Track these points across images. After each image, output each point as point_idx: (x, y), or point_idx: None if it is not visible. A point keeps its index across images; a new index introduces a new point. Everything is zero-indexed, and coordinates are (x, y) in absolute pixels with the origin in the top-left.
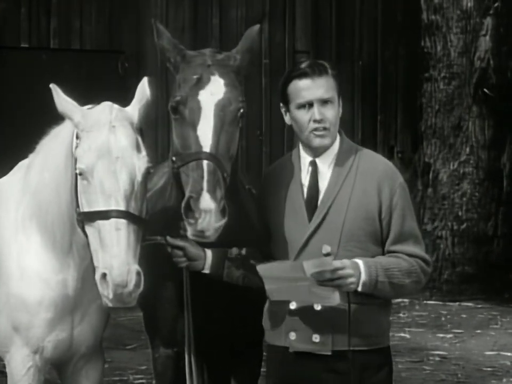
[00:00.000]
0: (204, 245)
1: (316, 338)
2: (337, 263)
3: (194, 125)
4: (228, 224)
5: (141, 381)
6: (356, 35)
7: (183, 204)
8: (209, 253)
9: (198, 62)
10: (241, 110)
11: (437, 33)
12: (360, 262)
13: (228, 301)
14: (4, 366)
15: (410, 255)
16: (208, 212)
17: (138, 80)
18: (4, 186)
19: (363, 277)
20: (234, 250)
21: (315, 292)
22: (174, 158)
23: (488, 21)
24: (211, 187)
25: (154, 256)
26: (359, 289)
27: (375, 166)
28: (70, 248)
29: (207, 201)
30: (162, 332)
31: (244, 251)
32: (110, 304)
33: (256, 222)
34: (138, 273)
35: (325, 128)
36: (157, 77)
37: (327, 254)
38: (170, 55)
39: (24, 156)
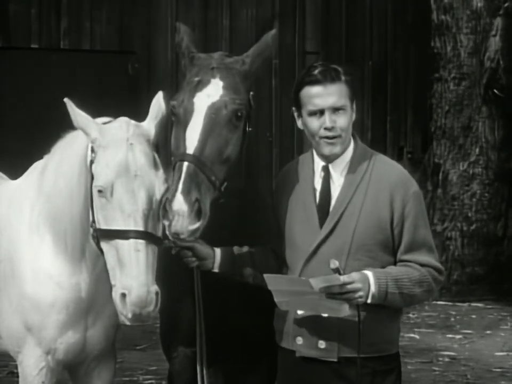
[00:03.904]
0: (213, 244)
1: (322, 344)
2: (345, 278)
3: (185, 127)
4: (243, 226)
5: (150, 381)
6: (366, 36)
7: (161, 205)
8: (218, 251)
9: (203, 65)
10: (239, 114)
11: (446, 33)
12: (369, 274)
13: (241, 299)
14: (16, 367)
15: (422, 265)
16: (181, 213)
17: (149, 81)
18: (19, 187)
19: (372, 289)
20: (244, 249)
21: (324, 304)
22: (172, 159)
23: (498, 21)
24: (185, 189)
25: (168, 257)
26: (369, 301)
27: (389, 174)
28: (83, 255)
29: (179, 203)
30: (182, 332)
31: (254, 249)
32: (127, 323)
33: (271, 224)
34: (156, 294)
35: (335, 137)
36: (167, 78)
37: (336, 269)
38: (182, 58)
39: (36, 157)
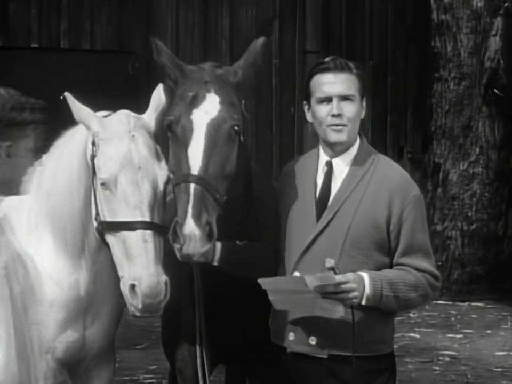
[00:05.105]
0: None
1: (313, 340)
2: (340, 278)
3: (186, 145)
4: (244, 230)
5: (151, 380)
6: (366, 35)
7: (170, 229)
8: (218, 245)
9: (196, 78)
10: (236, 128)
11: (447, 33)
12: (365, 275)
13: (242, 298)
14: None
15: (418, 269)
16: (193, 237)
17: (149, 81)
18: None
19: (367, 290)
20: (245, 243)
21: (319, 304)
22: (171, 175)
23: (498, 21)
24: (196, 212)
25: (169, 255)
26: (363, 303)
27: (390, 176)
28: (82, 251)
29: (191, 227)
30: (184, 331)
31: (254, 244)
32: (138, 314)
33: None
34: (166, 283)
35: (343, 125)
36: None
37: (331, 268)
38: (170, 71)
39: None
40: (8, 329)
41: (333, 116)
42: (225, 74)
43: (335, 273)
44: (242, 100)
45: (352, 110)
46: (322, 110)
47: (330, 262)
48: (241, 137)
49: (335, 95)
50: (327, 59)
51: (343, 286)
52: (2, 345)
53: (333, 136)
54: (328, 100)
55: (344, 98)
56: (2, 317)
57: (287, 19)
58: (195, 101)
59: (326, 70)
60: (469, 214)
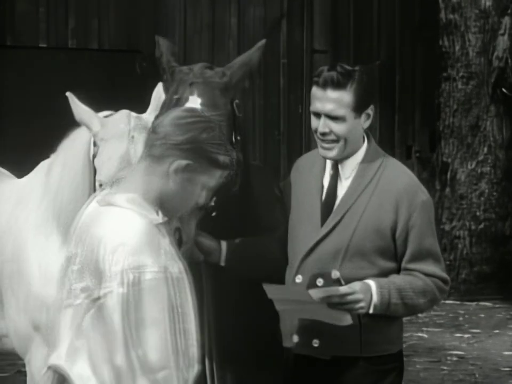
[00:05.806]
0: (218, 237)
1: (316, 343)
2: (345, 289)
3: None
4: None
5: None
6: (374, 34)
7: None
8: (224, 245)
9: (182, 80)
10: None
11: (455, 32)
12: (372, 284)
13: (241, 294)
14: (24, 365)
15: (427, 274)
16: None
17: (157, 80)
18: (26, 186)
19: (375, 299)
20: (250, 240)
21: (326, 313)
22: None
23: (506, 20)
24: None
25: None
26: (371, 311)
27: (397, 180)
28: None
29: None
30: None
31: (260, 240)
32: None
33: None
34: None
35: (333, 141)
36: None
37: (337, 280)
38: (163, 73)
39: (42, 156)
40: (165, 332)
41: (320, 133)
42: (213, 76)
43: (341, 284)
44: (236, 100)
45: (341, 129)
46: (314, 123)
47: (336, 274)
48: (235, 135)
49: (324, 114)
50: (325, 71)
51: (349, 297)
52: (161, 345)
53: (321, 153)
54: (318, 114)
55: (333, 117)
56: (160, 320)
57: (295, 18)
58: (178, 104)
59: (318, 84)
60: (477, 213)
